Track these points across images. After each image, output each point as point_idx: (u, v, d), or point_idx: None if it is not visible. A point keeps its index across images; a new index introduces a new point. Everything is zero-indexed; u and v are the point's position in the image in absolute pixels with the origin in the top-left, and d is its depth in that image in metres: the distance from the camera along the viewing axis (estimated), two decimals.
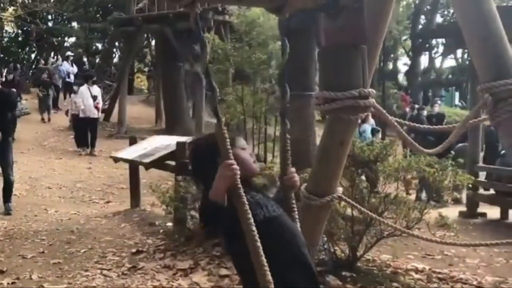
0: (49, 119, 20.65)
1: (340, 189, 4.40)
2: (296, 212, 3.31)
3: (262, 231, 2.78)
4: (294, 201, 3.31)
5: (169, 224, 8.09)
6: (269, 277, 2.68)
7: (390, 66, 40.04)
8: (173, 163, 8.25)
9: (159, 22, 18.86)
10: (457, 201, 10.07)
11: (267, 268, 2.69)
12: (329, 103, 3.55)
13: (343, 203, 5.62)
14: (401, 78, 40.52)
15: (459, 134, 4.17)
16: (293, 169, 3.31)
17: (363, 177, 6.53)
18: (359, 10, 3.47)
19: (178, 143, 8.12)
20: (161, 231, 7.98)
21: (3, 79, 21.80)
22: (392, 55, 38.24)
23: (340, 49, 3.52)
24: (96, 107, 16.42)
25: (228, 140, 2.79)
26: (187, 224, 7.57)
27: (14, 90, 16.15)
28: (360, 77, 3.52)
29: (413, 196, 6.84)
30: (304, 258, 3.01)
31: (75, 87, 17.44)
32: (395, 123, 4.11)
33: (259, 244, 2.70)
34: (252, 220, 2.72)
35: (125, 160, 9.48)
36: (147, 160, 8.51)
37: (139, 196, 9.68)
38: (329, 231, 6.31)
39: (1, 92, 9.60)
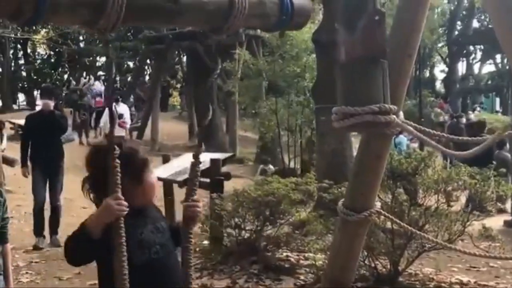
0: (88, 143, 20.69)
1: (378, 204, 4.27)
2: (191, 251, 2.96)
3: (136, 274, 2.67)
4: (191, 236, 2.98)
5: (205, 242, 7.98)
6: None
7: (427, 73, 39.62)
8: (207, 180, 8.16)
9: (189, 38, 18.94)
10: (501, 211, 9.80)
11: None
12: (348, 118, 3.42)
13: (383, 217, 5.47)
14: (438, 85, 40.04)
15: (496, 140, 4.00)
16: (197, 198, 2.98)
17: (402, 190, 6.40)
18: (378, 23, 3.34)
19: (212, 160, 8.05)
20: (197, 249, 7.86)
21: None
22: (428, 63, 37.83)
23: (358, 64, 3.39)
24: (122, 126, 16.47)
25: (118, 171, 2.61)
26: (224, 242, 7.49)
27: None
28: (380, 92, 3.39)
29: (454, 208, 6.65)
30: None
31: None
32: (424, 137, 3.94)
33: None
34: (126, 266, 2.59)
35: (159, 179, 9.40)
36: (180, 178, 8.42)
37: (174, 214, 9.58)
38: (369, 246, 6.18)
39: (53, 114, 9.15)
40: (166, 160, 9.86)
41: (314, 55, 11.43)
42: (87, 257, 2.75)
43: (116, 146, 2.65)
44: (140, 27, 27.06)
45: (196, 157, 2.99)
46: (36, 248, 8.36)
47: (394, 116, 3.46)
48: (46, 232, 8.81)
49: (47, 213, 8.80)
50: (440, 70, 42.66)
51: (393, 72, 3.54)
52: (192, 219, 2.95)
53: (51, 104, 9.14)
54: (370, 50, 3.34)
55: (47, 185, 8.79)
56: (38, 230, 8.66)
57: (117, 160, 2.62)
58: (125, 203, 2.61)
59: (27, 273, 7.26)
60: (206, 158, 8.50)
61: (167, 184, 9.38)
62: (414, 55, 3.86)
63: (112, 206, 2.58)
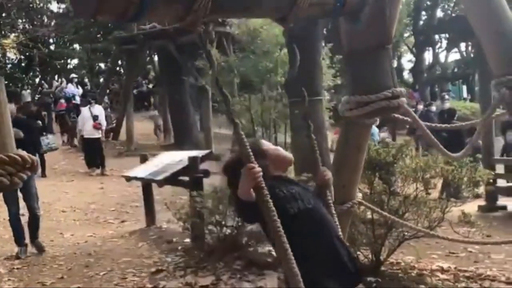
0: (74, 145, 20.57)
1: (359, 195, 4.33)
2: (333, 207, 3.45)
3: (296, 223, 3.03)
4: (329, 197, 3.45)
5: (187, 240, 8.00)
6: (296, 270, 2.76)
7: (395, 64, 39.94)
8: (186, 178, 8.16)
9: (161, 38, 18.86)
10: (476, 196, 9.95)
11: (293, 262, 2.77)
12: (362, 106, 3.49)
13: (362, 207, 5.54)
14: (406, 75, 40.40)
15: (478, 131, 4.08)
16: (324, 168, 3.48)
17: (380, 180, 6.46)
18: (381, 10, 3.41)
19: (190, 158, 8.05)
20: (180, 248, 7.88)
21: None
22: (396, 53, 38.13)
23: (367, 52, 3.45)
24: (97, 127, 16.38)
25: (247, 143, 2.87)
26: (206, 240, 7.49)
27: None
28: (389, 77, 3.48)
29: (432, 196, 6.73)
30: (336, 249, 3.12)
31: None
32: (422, 124, 4.02)
33: (284, 240, 2.79)
34: (276, 218, 2.81)
35: (138, 179, 9.40)
36: (160, 178, 8.41)
37: (154, 213, 9.59)
38: (350, 237, 6.22)
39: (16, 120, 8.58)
40: (144, 159, 9.84)
41: (285, 50, 11.44)
42: (253, 216, 3.07)
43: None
44: (109, 28, 26.96)
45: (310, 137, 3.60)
46: (18, 258, 8.11)
47: (404, 99, 3.53)
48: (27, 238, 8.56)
49: (24, 219, 8.54)
50: (407, 60, 43.08)
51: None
52: (326, 184, 3.45)
53: (13, 107, 8.92)
54: (375, 38, 3.43)
55: (19, 193, 8.28)
56: (18, 240, 8.34)
57: (242, 133, 2.87)
58: (259, 169, 2.83)
59: (9, 280, 7.16)
60: (184, 156, 8.52)
61: (146, 183, 9.37)
62: (390, 45, 3.92)
63: (248, 174, 2.82)
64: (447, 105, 16.45)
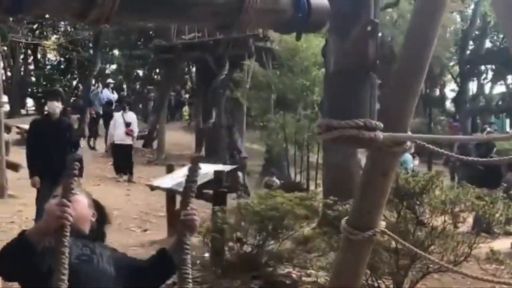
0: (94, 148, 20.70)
1: (383, 223, 4.15)
2: (189, 264, 2.70)
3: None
4: (188, 247, 2.72)
5: (206, 255, 7.88)
6: None
7: (437, 92, 39.43)
8: (210, 192, 8.05)
9: (199, 49, 18.93)
10: (508, 233, 9.63)
11: None
12: (330, 131, 3.27)
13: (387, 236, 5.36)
14: (448, 104, 39.85)
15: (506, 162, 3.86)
16: (194, 207, 2.76)
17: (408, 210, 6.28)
18: (371, 34, 3.20)
19: (215, 172, 7.95)
20: (198, 262, 7.76)
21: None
22: (439, 81, 37.66)
23: (347, 74, 3.25)
24: (128, 134, 16.41)
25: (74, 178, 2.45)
26: (225, 256, 7.37)
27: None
28: (367, 106, 3.24)
29: (462, 230, 6.53)
30: None
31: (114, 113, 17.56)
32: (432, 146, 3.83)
33: None
34: (65, 275, 2.31)
35: (162, 189, 9.33)
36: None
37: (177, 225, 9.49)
38: (372, 265, 6.06)
39: (60, 121, 8.58)
40: (170, 170, 9.79)
41: (323, 69, 11.33)
42: (22, 269, 2.48)
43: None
44: (150, 36, 27.17)
45: (194, 162, 2.81)
46: None
47: (380, 134, 3.32)
48: None
49: None
50: (450, 89, 42.47)
51: (403, 89, 3.45)
52: (189, 228, 2.71)
53: (58, 106, 8.56)
54: (360, 62, 3.22)
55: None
56: None
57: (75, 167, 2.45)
58: (70, 211, 2.39)
59: None
60: (210, 169, 8.41)
61: (170, 194, 9.30)
62: (424, 72, 3.77)
63: (55, 210, 2.40)
64: None
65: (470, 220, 6.96)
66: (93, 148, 20.58)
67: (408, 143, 3.74)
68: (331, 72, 3.37)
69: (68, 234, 2.37)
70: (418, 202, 6.18)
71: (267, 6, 2.66)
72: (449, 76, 39.15)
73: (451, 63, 36.40)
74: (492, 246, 6.20)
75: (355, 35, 3.18)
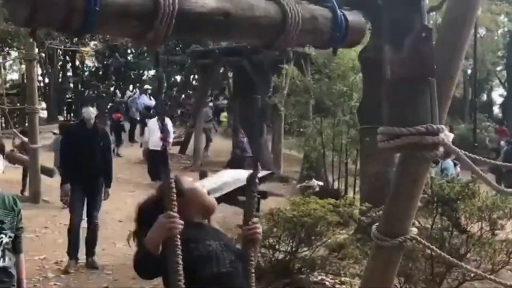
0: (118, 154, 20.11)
1: (414, 230, 4.06)
2: (252, 269, 2.95)
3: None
4: (253, 256, 2.96)
5: None
6: None
7: (485, 97, 38.77)
8: (244, 198, 7.99)
9: (236, 54, 18.87)
10: None
11: None
12: (393, 139, 3.26)
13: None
14: (496, 110, 39.10)
15: None
16: (256, 220, 3.00)
17: (444, 217, 6.16)
18: (426, 39, 3.18)
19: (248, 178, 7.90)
20: None
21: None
22: (486, 86, 37.02)
23: (405, 82, 3.24)
24: (163, 140, 16.44)
25: (173, 190, 2.64)
26: (257, 262, 7.30)
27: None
28: (428, 112, 3.26)
29: (499, 237, 6.36)
30: None
31: (146, 120, 17.53)
32: (470, 162, 3.73)
33: None
34: (181, 280, 2.58)
35: None
36: (215, 195, 8.29)
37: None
38: (407, 273, 5.94)
39: (96, 128, 8.45)
40: (203, 175, 9.79)
41: (361, 74, 11.20)
42: (152, 272, 2.82)
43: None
44: (189, 41, 27.35)
45: (253, 177, 3.02)
46: (66, 272, 7.75)
47: (443, 136, 3.29)
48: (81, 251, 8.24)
49: (82, 230, 8.25)
50: (499, 94, 41.64)
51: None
52: (252, 241, 2.94)
53: (93, 112, 8.50)
54: (418, 69, 3.24)
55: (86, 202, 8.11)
56: (71, 252, 7.98)
57: (171, 178, 2.66)
58: (180, 221, 2.61)
59: (55, 285, 7.19)
60: (244, 175, 8.37)
61: None
62: (455, 76, 3.72)
63: (166, 222, 2.61)
64: None
65: (508, 227, 6.74)
66: (118, 155, 19.87)
67: (441, 149, 3.66)
68: (389, 81, 3.37)
69: (179, 243, 2.61)
70: (453, 209, 6.06)
71: (306, 27, 2.87)
72: (497, 81, 38.43)
73: (499, 68, 35.72)
74: None
75: (411, 42, 3.18)
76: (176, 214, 2.60)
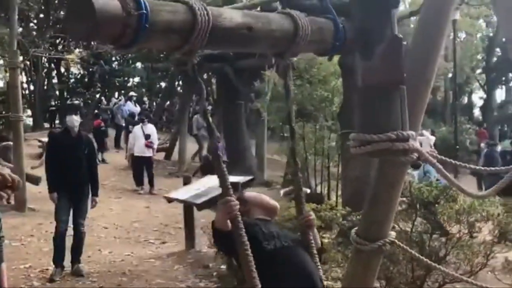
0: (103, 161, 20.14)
1: (393, 234, 4.13)
2: (314, 249, 3.69)
3: (272, 260, 3.31)
4: (311, 239, 3.65)
5: (223, 266, 7.86)
6: None
7: (465, 100, 39.05)
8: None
9: (219, 60, 18.90)
10: None
11: None
12: (365, 145, 3.32)
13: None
14: (477, 112, 39.41)
15: None
16: (308, 209, 3.68)
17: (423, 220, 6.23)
18: (396, 48, 3.25)
19: (231, 184, 7.93)
20: (215, 274, 7.77)
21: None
22: (466, 89, 37.29)
23: (376, 90, 3.31)
24: (148, 146, 16.48)
25: (227, 176, 3.06)
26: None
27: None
28: (398, 118, 3.32)
29: (480, 239, 6.43)
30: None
31: (130, 127, 17.51)
32: (439, 166, 3.80)
33: (255, 275, 2.98)
34: (248, 251, 2.99)
35: (178, 200, 9.33)
36: (199, 201, 8.33)
37: (194, 237, 9.46)
38: (387, 276, 6.00)
39: (80, 136, 8.49)
40: (187, 181, 9.79)
41: (341, 79, 11.26)
42: (229, 249, 3.40)
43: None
44: None
45: (295, 174, 3.75)
46: (51, 280, 7.72)
47: (413, 143, 3.35)
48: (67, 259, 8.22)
49: (68, 238, 8.23)
50: (479, 97, 41.99)
51: (410, 98, 3.46)
52: (309, 227, 3.67)
53: (77, 120, 8.50)
54: (388, 77, 3.29)
55: (71, 209, 8.10)
56: (57, 260, 7.98)
57: (224, 166, 3.07)
58: (236, 202, 3.06)
59: None
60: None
61: (187, 206, 9.30)
62: (431, 80, 3.76)
63: (224, 207, 3.08)
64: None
65: (485, 230, 6.82)
66: (103, 161, 19.87)
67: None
68: (360, 87, 3.44)
69: (241, 223, 3.04)
70: (432, 212, 6.12)
71: (314, 38, 3.28)
72: (477, 84, 38.76)
73: (478, 71, 36.02)
74: (507, 256, 6.11)
75: (381, 51, 3.25)
76: (231, 198, 3.04)
